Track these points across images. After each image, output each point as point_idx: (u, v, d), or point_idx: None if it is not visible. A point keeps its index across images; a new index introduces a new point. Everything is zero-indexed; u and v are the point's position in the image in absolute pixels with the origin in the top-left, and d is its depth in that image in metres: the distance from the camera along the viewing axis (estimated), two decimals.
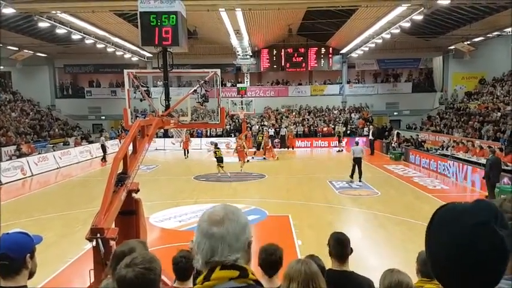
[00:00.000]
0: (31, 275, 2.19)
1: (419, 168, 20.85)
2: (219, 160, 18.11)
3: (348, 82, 36.71)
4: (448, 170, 18.06)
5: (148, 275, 2.01)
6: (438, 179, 18.03)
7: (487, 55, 30.65)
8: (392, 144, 25.53)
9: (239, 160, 20.05)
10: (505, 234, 1.13)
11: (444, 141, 23.21)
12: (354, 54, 33.16)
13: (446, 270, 1.17)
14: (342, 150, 28.69)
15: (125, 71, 8.63)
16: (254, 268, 1.69)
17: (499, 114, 23.55)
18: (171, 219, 11.88)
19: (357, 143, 18.39)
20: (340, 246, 3.52)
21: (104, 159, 24.80)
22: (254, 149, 26.94)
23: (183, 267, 3.12)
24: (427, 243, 1.24)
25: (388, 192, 15.28)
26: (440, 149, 21.90)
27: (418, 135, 27.20)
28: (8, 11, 17.14)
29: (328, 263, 3.56)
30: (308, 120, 33.93)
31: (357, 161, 17.04)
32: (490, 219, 1.14)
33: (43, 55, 32.95)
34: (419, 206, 12.95)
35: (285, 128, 31.73)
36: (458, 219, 1.17)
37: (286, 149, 30.16)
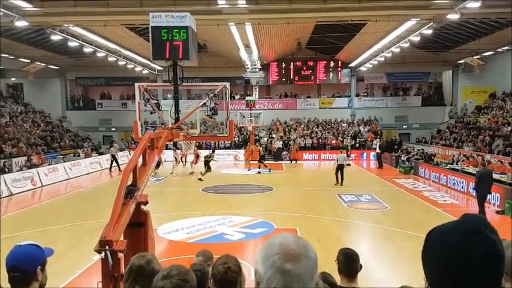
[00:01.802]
0: (41, 287, 2.21)
1: (429, 182, 20.67)
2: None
3: (357, 95, 36.69)
4: (458, 184, 17.90)
5: (185, 286, 2.05)
6: (448, 193, 17.86)
7: (496, 69, 30.48)
8: (402, 158, 25.38)
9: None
10: (496, 239, 1.15)
11: (454, 156, 23.02)
12: (362, 68, 33.14)
13: (446, 284, 1.17)
14: (350, 164, 28.45)
15: (136, 84, 8.76)
16: None
17: (510, 128, 23.33)
18: (179, 231, 11.87)
19: (341, 151, 20.44)
20: (349, 262, 3.48)
21: (112, 168, 25.03)
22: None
23: (198, 280, 3.11)
24: (424, 263, 1.25)
25: (397, 206, 15.13)
26: (450, 163, 21.73)
27: (424, 149, 26.99)
28: (21, 24, 17.42)
29: (336, 279, 3.52)
30: (316, 133, 33.89)
31: (340, 168, 19.10)
32: (480, 226, 1.16)
33: (55, 67, 33.41)
34: (429, 220, 12.75)
35: (288, 140, 31.85)
36: (450, 235, 1.19)
37: (295, 161, 30.11)
